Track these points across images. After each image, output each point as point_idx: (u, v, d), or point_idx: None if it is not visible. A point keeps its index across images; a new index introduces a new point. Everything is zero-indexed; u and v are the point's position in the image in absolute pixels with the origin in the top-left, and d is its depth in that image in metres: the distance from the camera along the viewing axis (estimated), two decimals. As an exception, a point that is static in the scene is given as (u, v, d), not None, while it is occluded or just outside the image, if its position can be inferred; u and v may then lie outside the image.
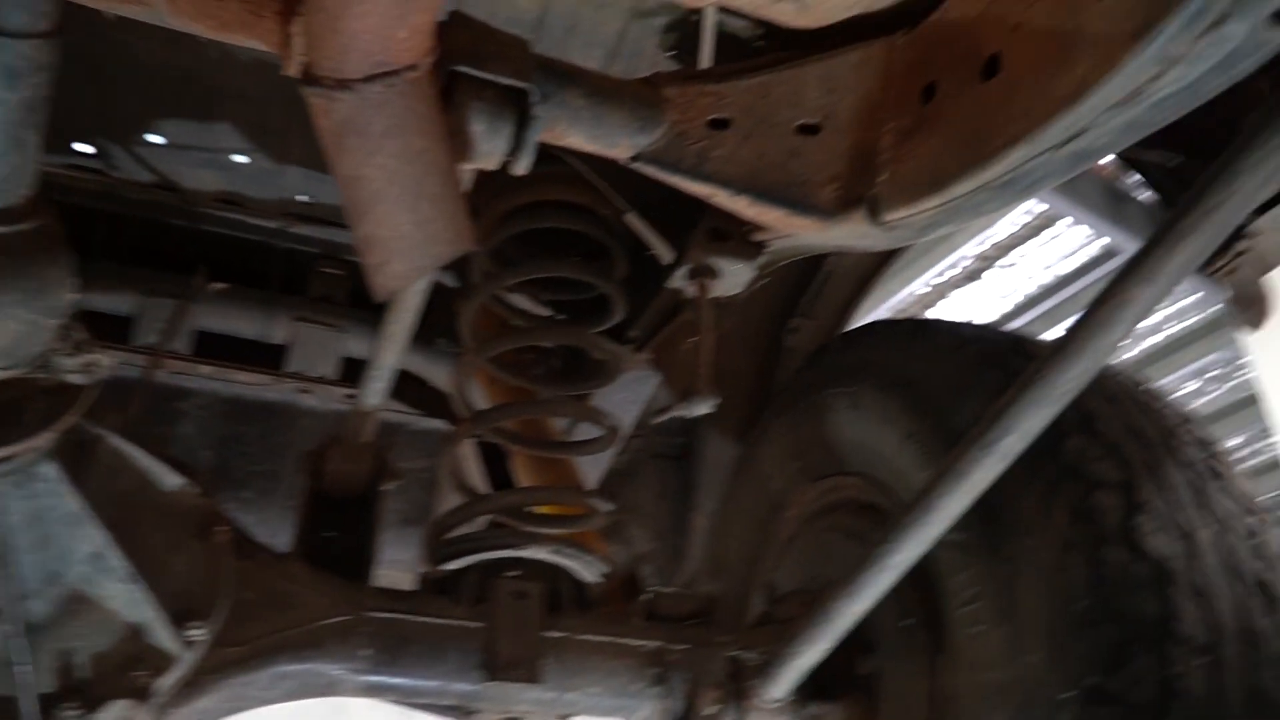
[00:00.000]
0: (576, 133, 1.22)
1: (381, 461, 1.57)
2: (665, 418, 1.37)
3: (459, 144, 1.13)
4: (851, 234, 1.19)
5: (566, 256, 1.72)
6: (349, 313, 2.03)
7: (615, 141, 1.23)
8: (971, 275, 6.10)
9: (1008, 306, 6.57)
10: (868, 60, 1.18)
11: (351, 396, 1.96)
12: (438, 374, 2.05)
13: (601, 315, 1.74)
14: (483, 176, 1.51)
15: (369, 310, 2.05)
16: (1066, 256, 5.86)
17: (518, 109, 1.13)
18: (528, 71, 1.12)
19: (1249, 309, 1.28)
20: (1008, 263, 6.01)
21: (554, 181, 1.61)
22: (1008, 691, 1.23)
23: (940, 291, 6.18)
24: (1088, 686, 1.14)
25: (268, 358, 2.06)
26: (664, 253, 1.55)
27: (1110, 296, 0.97)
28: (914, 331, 1.57)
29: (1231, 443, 7.94)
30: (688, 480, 2.59)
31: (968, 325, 1.55)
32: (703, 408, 1.34)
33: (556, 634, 1.41)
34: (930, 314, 6.40)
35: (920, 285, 6.13)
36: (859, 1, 1.15)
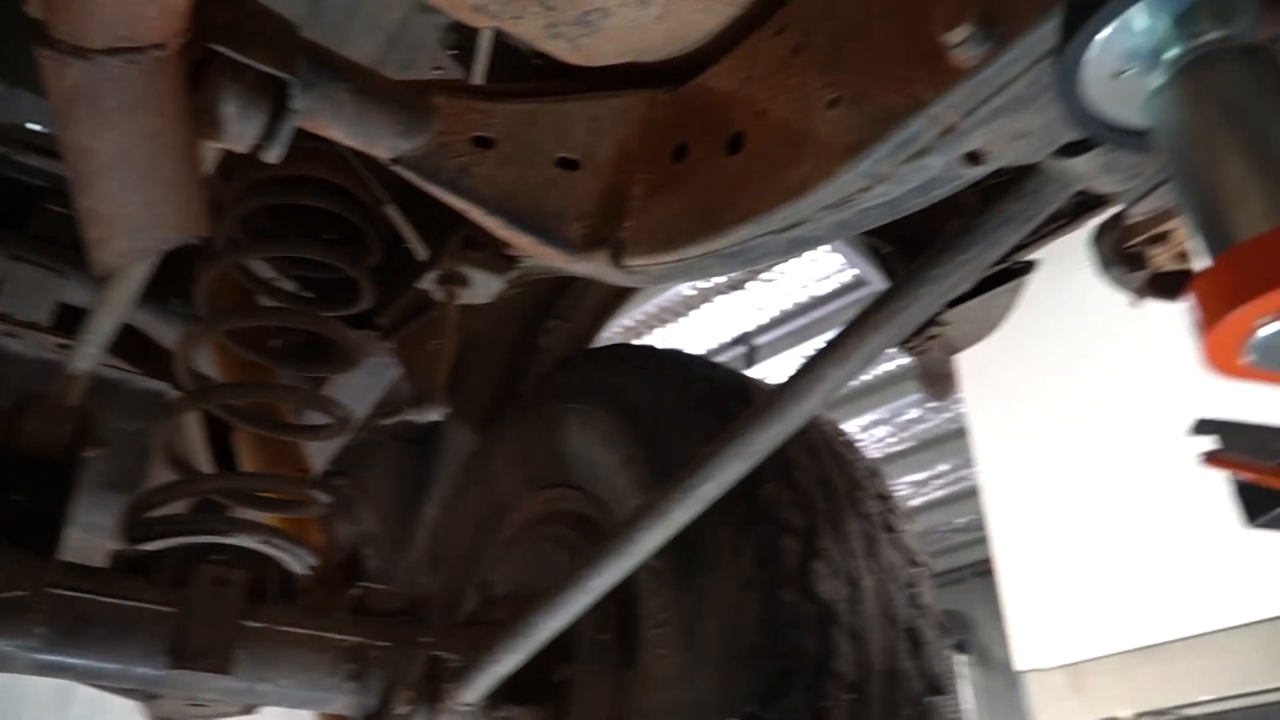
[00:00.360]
0: (338, 127, 1.20)
1: (87, 426, 1.48)
2: (393, 420, 1.38)
3: (206, 123, 1.09)
4: (594, 270, 1.25)
5: (320, 236, 1.68)
6: (72, 257, 1.88)
7: (377, 141, 1.23)
8: (735, 285, 6.40)
9: (764, 319, 6.92)
10: (631, 109, 1.23)
11: (65, 347, 1.83)
12: (166, 334, 1.94)
13: (350, 299, 1.71)
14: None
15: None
16: (822, 279, 6.26)
17: (274, 97, 1.10)
18: (291, 59, 1.10)
19: (935, 384, 1.43)
20: (769, 277, 6.34)
21: (317, 159, 1.57)
22: (679, 713, 1.33)
23: (705, 295, 6.44)
24: (746, 714, 1.25)
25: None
26: (419, 249, 1.56)
27: (807, 372, 1.07)
28: (649, 362, 1.65)
29: (940, 468, 8.78)
30: (424, 467, 2.59)
31: (699, 362, 1.65)
32: (432, 415, 1.36)
33: (255, 624, 1.38)
34: (693, 316, 6.64)
35: (686, 288, 6.36)
36: (629, 50, 1.20)
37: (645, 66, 1.24)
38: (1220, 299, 0.62)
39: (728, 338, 6.85)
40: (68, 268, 1.86)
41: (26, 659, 1.28)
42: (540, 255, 1.28)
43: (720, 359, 7.04)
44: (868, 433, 7.73)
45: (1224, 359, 0.65)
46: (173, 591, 1.36)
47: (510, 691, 1.50)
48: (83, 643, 1.29)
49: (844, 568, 1.35)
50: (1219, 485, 1.19)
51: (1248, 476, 1.08)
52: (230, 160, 1.64)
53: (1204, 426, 1.09)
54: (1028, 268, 1.27)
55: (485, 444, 1.94)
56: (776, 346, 6.92)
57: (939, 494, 9.37)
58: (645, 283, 1.24)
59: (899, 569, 1.43)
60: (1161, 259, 1.21)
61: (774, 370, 7.04)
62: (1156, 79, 0.73)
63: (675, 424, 1.48)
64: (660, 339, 6.69)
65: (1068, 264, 1.36)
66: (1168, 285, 1.24)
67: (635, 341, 6.38)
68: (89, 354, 1.43)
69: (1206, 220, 0.66)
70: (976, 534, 8.14)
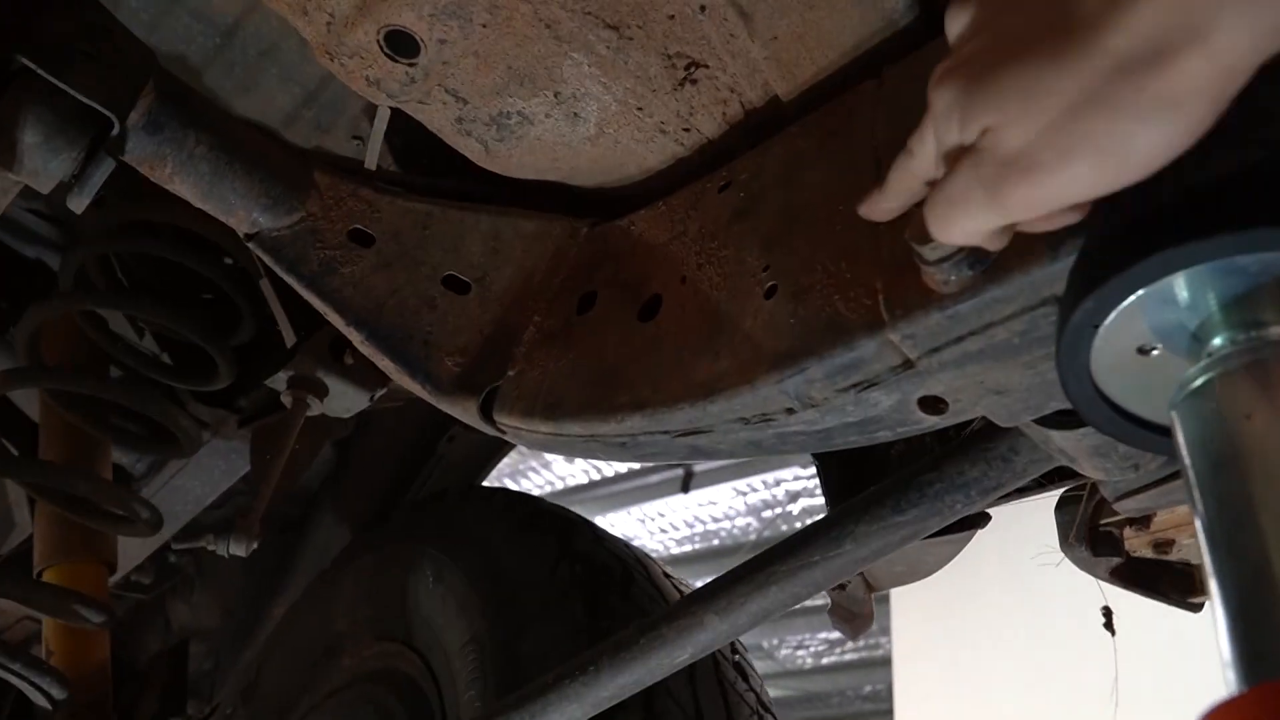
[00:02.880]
0: (187, 185, 0.98)
1: None
2: (187, 547, 1.12)
3: (2, 147, 0.87)
4: (465, 418, 1.01)
5: (194, 299, 1.44)
6: None
7: (231, 209, 1.00)
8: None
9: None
10: (544, 236, 1.02)
11: None
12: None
13: (213, 374, 1.47)
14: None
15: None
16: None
17: (92, 137, 0.88)
18: (124, 94, 0.88)
19: (850, 622, 1.20)
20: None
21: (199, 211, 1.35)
22: None
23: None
24: None
25: None
26: (288, 336, 1.32)
27: (681, 614, 0.84)
28: (529, 521, 1.40)
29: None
30: (286, 561, 2.29)
31: (588, 535, 1.40)
32: (237, 550, 1.10)
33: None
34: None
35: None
36: (555, 169, 0.99)
37: (569, 190, 1.03)
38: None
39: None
40: None
41: None
42: (400, 383, 1.05)
43: (653, 479, 6.81)
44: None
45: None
46: None
47: None
48: None
49: None
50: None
51: None
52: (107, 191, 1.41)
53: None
54: (979, 520, 1.05)
55: (334, 568, 1.66)
56: (714, 476, 6.69)
57: (850, 657, 9.06)
58: (520, 444, 1.01)
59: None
60: (1136, 544, 1.00)
61: (708, 499, 6.80)
62: (1194, 375, 0.52)
63: (537, 608, 1.22)
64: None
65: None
66: (1138, 576, 1.02)
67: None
68: None
69: (1244, 621, 0.44)
70: (883, 705, 7.84)
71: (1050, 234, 0.57)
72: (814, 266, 0.70)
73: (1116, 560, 0.97)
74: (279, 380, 1.20)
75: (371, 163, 1.07)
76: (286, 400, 1.20)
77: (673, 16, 0.80)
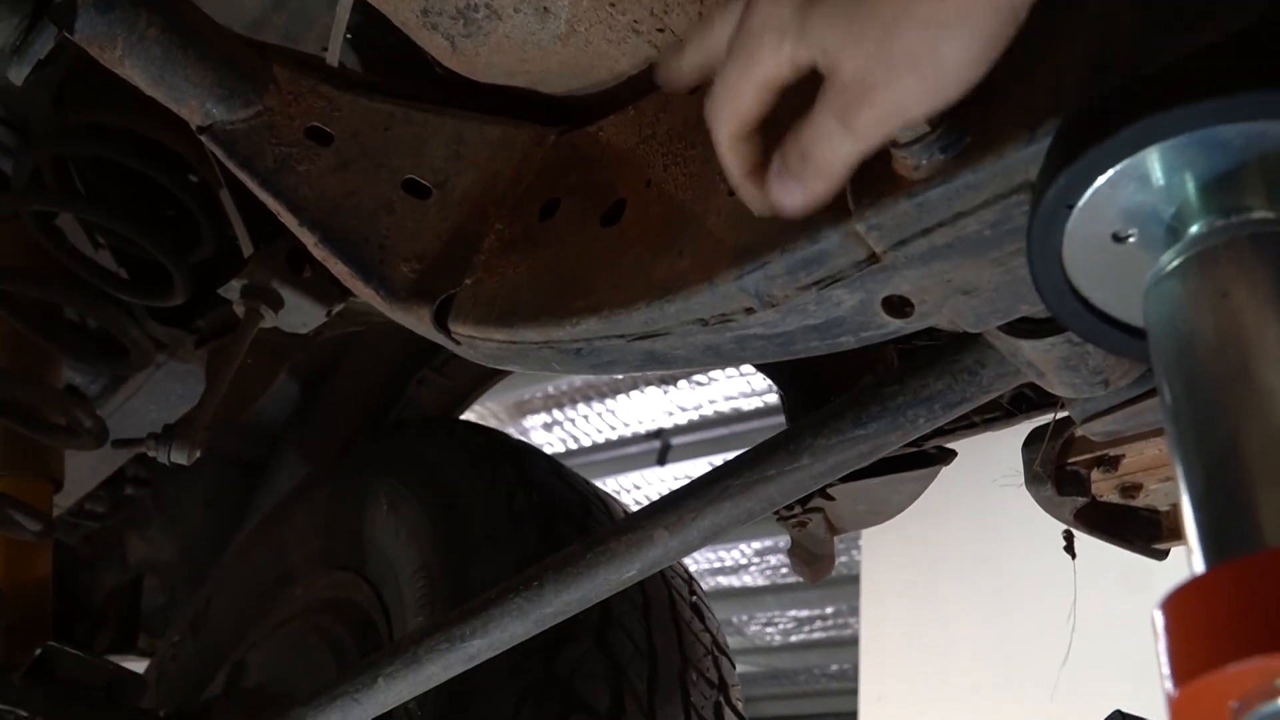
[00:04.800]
0: (137, 69, 0.93)
1: None
2: (130, 453, 1.08)
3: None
4: (418, 328, 0.98)
5: (145, 205, 1.39)
6: None
7: (184, 99, 0.96)
8: (666, 380, 6.17)
9: (682, 420, 6.69)
10: (509, 143, 0.98)
11: None
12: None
13: (169, 291, 1.42)
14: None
15: None
16: (749, 395, 6.06)
17: (37, 3, 0.84)
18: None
19: (809, 565, 1.18)
20: (700, 380, 6.13)
21: (159, 114, 1.30)
22: None
23: (633, 382, 6.20)
24: None
25: None
26: (246, 245, 1.28)
27: (631, 528, 0.80)
28: (486, 450, 1.36)
29: (826, 610, 8.54)
30: (245, 499, 2.25)
31: (545, 466, 1.37)
32: (179, 457, 1.06)
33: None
34: (609, 403, 6.39)
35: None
36: (523, 74, 0.95)
37: (537, 97, 0.99)
38: (1208, 638, 0.36)
39: (643, 429, 6.60)
40: None
41: None
42: (354, 290, 1.01)
43: (631, 450, 6.80)
44: (761, 559, 7.48)
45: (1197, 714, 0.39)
46: None
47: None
48: None
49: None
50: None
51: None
52: (65, 87, 1.36)
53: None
54: (945, 456, 1.03)
55: (289, 500, 1.63)
56: (693, 450, 6.68)
57: (818, 635, 9.09)
58: (473, 357, 0.97)
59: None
60: (1103, 487, 0.97)
61: (684, 473, 6.79)
62: (1169, 259, 0.49)
63: (489, 535, 1.19)
64: (571, 419, 6.42)
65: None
66: (1103, 521, 1.00)
67: (541, 420, 6.15)
68: None
69: (1209, 501, 0.41)
70: (848, 684, 7.90)
71: (1027, 112, 0.54)
72: (781, 159, 0.67)
73: (1082, 501, 0.94)
74: (232, 289, 1.16)
75: (333, 58, 1.03)
76: (239, 310, 1.16)
77: (649, -99, 0.76)
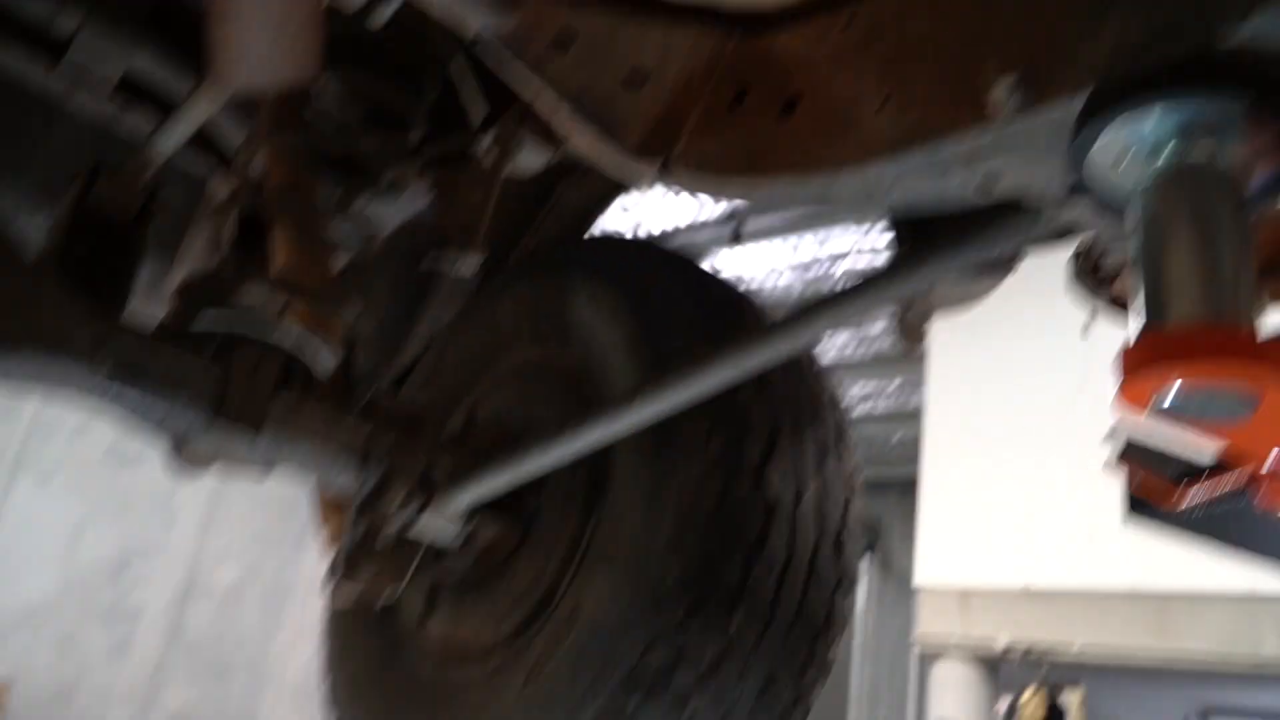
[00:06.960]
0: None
1: (151, 199, 1.62)
2: (433, 264, 1.54)
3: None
4: (644, 173, 1.39)
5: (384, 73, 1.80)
6: (143, 30, 1.90)
7: (469, 14, 1.35)
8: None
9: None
10: (703, 44, 1.36)
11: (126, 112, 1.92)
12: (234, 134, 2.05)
13: (403, 135, 1.85)
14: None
15: (171, 31, 1.98)
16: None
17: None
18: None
19: (909, 336, 1.63)
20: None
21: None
22: (627, 560, 1.56)
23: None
24: (686, 573, 1.49)
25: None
26: (479, 107, 1.69)
27: (801, 318, 1.25)
28: (668, 262, 1.83)
29: (892, 385, 9.12)
30: (424, 287, 2.75)
31: (710, 277, 1.83)
32: (467, 267, 1.52)
33: (282, 404, 1.58)
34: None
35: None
36: (710, -8, 1.32)
37: (721, 13, 1.36)
38: (1144, 362, 0.81)
39: (717, 214, 6.98)
40: (139, 37, 1.93)
41: (93, 382, 1.45)
42: (595, 152, 1.42)
43: (702, 237, 7.19)
44: (832, 338, 8.00)
45: (1134, 403, 0.84)
46: (217, 361, 1.54)
47: (484, 508, 1.72)
48: (142, 380, 1.46)
49: (795, 473, 1.57)
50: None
51: (1139, 483, 1.29)
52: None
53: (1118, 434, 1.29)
54: (1012, 262, 1.44)
55: (496, 286, 2.10)
56: (766, 232, 7.06)
57: (883, 408, 9.74)
58: (685, 187, 1.39)
59: (839, 482, 1.65)
60: (1120, 288, 1.40)
61: (755, 253, 7.21)
62: (1150, 168, 0.89)
63: (678, 322, 1.66)
64: (650, 204, 6.80)
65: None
66: (1121, 309, 1.42)
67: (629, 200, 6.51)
68: (174, 139, 1.55)
69: (1151, 295, 0.84)
70: (910, 452, 8.60)
71: (1073, 76, 0.93)
72: (916, 90, 1.06)
73: (1106, 296, 1.36)
74: (484, 139, 1.58)
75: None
76: (489, 157, 1.59)
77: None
